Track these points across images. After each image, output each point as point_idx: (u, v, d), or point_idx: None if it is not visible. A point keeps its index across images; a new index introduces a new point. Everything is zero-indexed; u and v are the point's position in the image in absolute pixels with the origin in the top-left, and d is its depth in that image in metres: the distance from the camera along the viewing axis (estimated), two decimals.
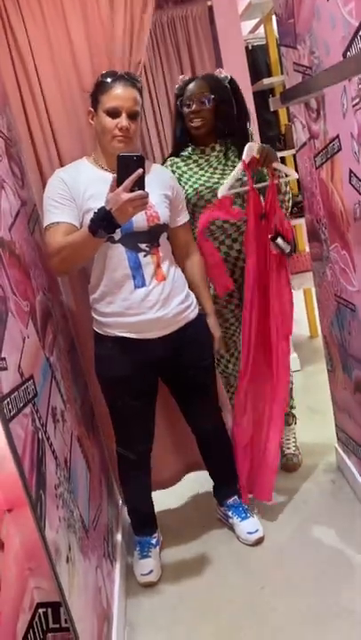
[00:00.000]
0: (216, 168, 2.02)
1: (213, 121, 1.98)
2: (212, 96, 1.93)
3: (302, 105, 1.81)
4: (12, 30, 1.79)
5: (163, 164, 2.06)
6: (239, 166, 1.89)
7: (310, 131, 1.79)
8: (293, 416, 2.48)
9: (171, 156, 2.09)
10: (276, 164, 1.95)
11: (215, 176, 2.01)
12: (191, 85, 1.95)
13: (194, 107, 1.93)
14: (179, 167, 2.03)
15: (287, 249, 1.93)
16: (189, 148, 2.06)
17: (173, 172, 1.99)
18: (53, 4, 1.80)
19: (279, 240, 1.92)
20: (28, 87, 1.85)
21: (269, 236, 1.92)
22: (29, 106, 1.87)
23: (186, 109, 1.95)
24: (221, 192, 1.87)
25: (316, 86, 1.40)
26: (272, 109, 3.27)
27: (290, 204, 2.09)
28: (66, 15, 1.82)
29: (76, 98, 1.87)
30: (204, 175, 2.01)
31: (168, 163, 2.06)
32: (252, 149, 1.88)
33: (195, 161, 2.03)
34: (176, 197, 1.79)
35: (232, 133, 2.01)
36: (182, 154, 2.06)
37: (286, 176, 1.99)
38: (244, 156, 1.88)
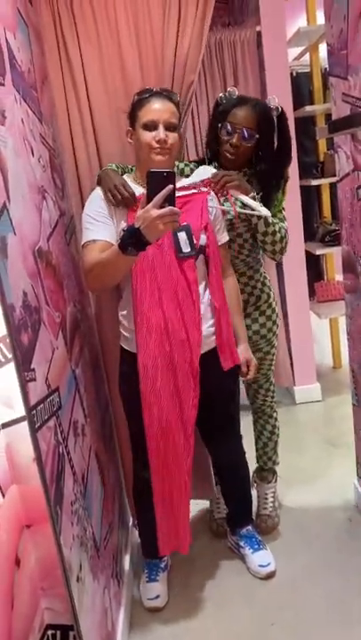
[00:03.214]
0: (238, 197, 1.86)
1: (249, 156, 1.87)
2: (257, 135, 1.80)
3: (348, 135, 1.79)
4: (65, 45, 1.81)
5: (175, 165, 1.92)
6: (192, 180, 1.71)
7: (355, 162, 1.77)
8: (274, 473, 2.29)
9: (193, 162, 1.98)
10: (241, 196, 1.73)
11: (236, 205, 1.86)
12: (239, 111, 1.80)
13: (235, 139, 1.80)
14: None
15: (187, 249, 1.63)
16: (213, 165, 1.93)
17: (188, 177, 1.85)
18: (107, 23, 1.83)
19: (182, 234, 1.63)
20: (76, 100, 1.87)
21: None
22: (75, 119, 1.88)
23: (225, 136, 1.82)
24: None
25: None
26: (318, 138, 3.26)
27: (281, 245, 1.87)
28: (119, 34, 1.84)
29: (123, 115, 1.87)
30: (227, 200, 1.92)
31: (181, 165, 1.94)
32: (205, 171, 1.73)
33: None
34: (215, 217, 1.78)
35: (264, 169, 1.87)
36: None
37: (252, 210, 1.75)
38: (195, 176, 1.72)
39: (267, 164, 1.87)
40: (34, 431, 1.02)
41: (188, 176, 1.84)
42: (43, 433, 1.17)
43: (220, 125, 1.85)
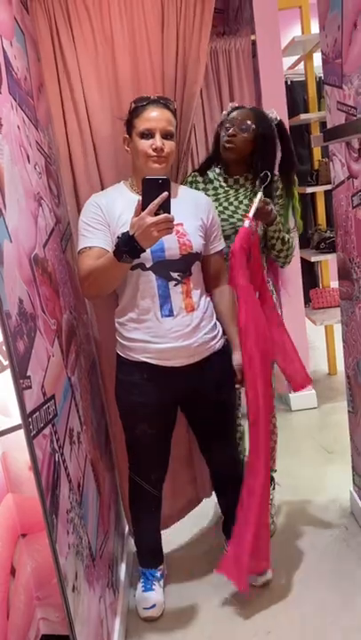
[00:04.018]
0: (241, 202, 1.98)
1: (248, 152, 1.93)
2: (253, 126, 1.89)
3: (343, 143, 1.80)
4: (62, 53, 1.81)
5: (183, 179, 2.01)
6: (260, 197, 1.81)
7: (350, 170, 1.78)
8: (272, 480, 2.26)
9: (195, 171, 2.05)
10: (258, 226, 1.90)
11: (239, 211, 1.96)
12: (236, 112, 1.93)
13: (231, 130, 1.90)
14: (197, 188, 1.99)
15: None
16: (215, 172, 2.02)
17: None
18: (103, 30, 1.83)
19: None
20: (74, 107, 1.87)
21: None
22: (72, 125, 1.88)
23: (223, 132, 1.93)
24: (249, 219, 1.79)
25: None
26: (313, 147, 3.28)
27: (291, 257, 2.05)
28: (114, 42, 1.84)
29: (120, 122, 1.87)
30: (228, 207, 1.97)
31: (189, 179, 2.02)
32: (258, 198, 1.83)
33: (215, 188, 1.98)
34: (211, 225, 1.78)
35: (267, 174, 1.91)
36: (208, 175, 2.02)
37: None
38: (253, 207, 1.80)
39: (269, 166, 1.94)
40: (30, 439, 1.02)
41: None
42: (38, 441, 1.16)
43: (220, 128, 1.96)
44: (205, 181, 2.00)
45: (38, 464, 1.09)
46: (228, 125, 1.92)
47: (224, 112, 2.00)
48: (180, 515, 2.24)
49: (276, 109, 2.88)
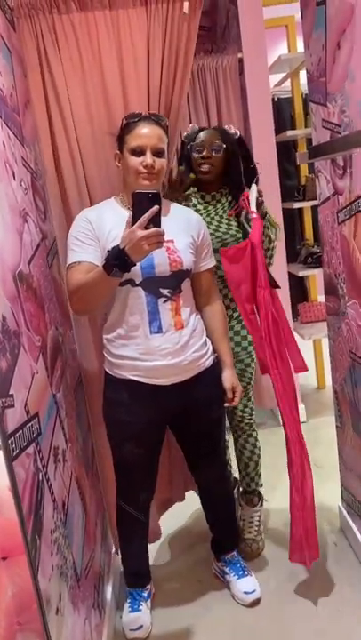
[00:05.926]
0: (222, 217, 2.02)
1: (221, 170, 2.01)
2: (224, 145, 1.97)
3: (328, 160, 1.82)
4: (49, 68, 1.82)
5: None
6: (255, 188, 1.88)
7: (335, 186, 1.79)
8: (260, 496, 2.27)
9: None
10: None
11: (222, 226, 2.01)
12: (203, 133, 2.00)
13: (205, 152, 1.96)
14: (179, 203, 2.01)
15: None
16: (191, 190, 2.06)
17: None
18: (91, 47, 1.84)
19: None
20: (62, 123, 1.87)
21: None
22: (61, 140, 1.88)
23: (196, 155, 1.98)
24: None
25: (346, 145, 1.40)
26: (298, 164, 3.32)
27: (272, 253, 2.06)
28: (102, 59, 1.85)
29: (107, 137, 1.88)
30: (211, 222, 2.01)
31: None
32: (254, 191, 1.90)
33: (193, 205, 2.03)
34: (202, 242, 1.78)
35: (237, 186, 2.01)
36: (186, 192, 2.06)
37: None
38: (253, 199, 1.87)
39: (239, 179, 2.02)
40: (9, 460, 1.00)
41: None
42: (21, 460, 1.14)
43: (189, 149, 2.01)
44: (186, 198, 2.04)
45: (20, 485, 1.07)
46: (199, 148, 1.98)
47: (187, 132, 2.04)
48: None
49: (262, 126, 2.92)
